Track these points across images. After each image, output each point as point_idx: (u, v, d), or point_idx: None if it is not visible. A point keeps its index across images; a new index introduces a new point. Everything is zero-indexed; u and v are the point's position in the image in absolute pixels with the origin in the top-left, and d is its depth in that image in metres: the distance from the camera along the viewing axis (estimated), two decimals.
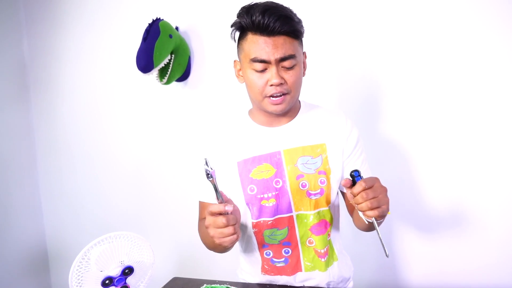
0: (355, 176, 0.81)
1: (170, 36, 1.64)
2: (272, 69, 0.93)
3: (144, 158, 2.00)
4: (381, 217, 0.80)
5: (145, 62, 1.57)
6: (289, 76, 0.94)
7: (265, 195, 1.02)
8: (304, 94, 1.11)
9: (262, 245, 1.07)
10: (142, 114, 1.96)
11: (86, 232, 2.20)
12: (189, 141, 1.88)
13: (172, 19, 1.76)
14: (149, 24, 1.62)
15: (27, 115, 2.20)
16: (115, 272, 0.84)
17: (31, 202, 2.24)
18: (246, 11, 0.92)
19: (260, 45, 0.91)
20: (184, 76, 1.81)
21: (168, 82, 1.72)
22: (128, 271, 0.85)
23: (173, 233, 1.95)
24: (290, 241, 1.05)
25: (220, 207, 0.81)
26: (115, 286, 0.84)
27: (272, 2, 0.93)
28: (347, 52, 1.58)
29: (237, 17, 0.95)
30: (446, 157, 1.50)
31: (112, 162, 2.07)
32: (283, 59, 0.92)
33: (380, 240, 0.80)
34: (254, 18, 0.89)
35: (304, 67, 1.02)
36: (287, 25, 0.90)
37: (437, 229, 1.55)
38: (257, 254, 1.09)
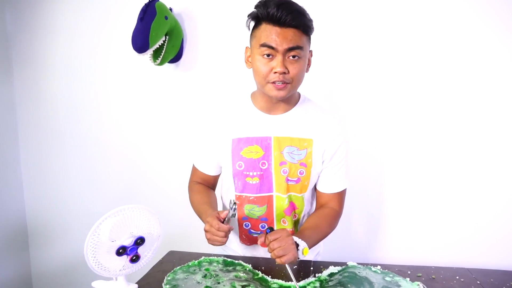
0: (267, 233, 0.99)
1: (166, 18, 1.66)
2: (278, 58, 1.00)
3: (134, 136, 2.02)
4: (292, 261, 0.94)
5: (141, 42, 1.59)
6: (293, 67, 1.01)
7: (250, 173, 1.14)
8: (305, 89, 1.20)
9: (242, 217, 1.20)
10: (133, 92, 1.97)
11: (68, 210, 2.20)
12: (180, 120, 1.92)
13: (166, 0, 1.77)
14: (145, 4, 1.63)
15: (10, 89, 2.14)
16: (129, 241, 0.89)
17: (12, 178, 2.20)
18: (263, 3, 1.00)
19: (271, 34, 0.99)
20: (176, 57, 1.83)
21: (161, 63, 1.75)
22: (140, 241, 0.91)
23: (165, 207, 1.98)
24: (267, 217, 1.18)
25: (224, 229, 0.99)
26: (128, 255, 0.90)
27: None
28: (343, 52, 1.70)
29: (255, 8, 1.03)
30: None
31: (100, 140, 2.08)
32: (290, 49, 0.99)
33: (292, 278, 0.94)
34: (269, 10, 0.97)
35: (309, 64, 1.10)
36: (297, 19, 0.98)
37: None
38: (235, 224, 1.22)
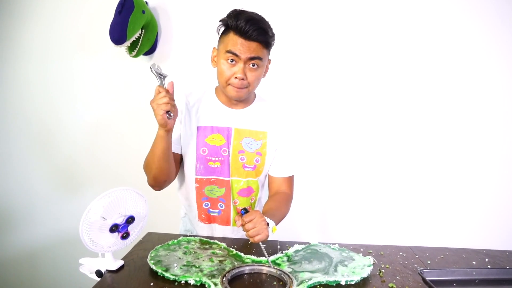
0: (242, 214, 1.07)
1: (143, 12, 1.73)
2: (240, 65, 1.16)
3: (106, 124, 2.07)
4: (264, 240, 1.06)
5: (119, 35, 1.65)
6: (251, 74, 1.19)
7: (213, 158, 1.28)
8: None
9: (201, 198, 1.33)
10: (108, 82, 2.03)
11: (33, 197, 2.21)
12: (150, 108, 1.98)
13: None
14: None
15: None
16: (120, 220, 0.99)
17: None
18: (235, 15, 1.14)
19: (237, 44, 1.15)
20: (150, 50, 1.90)
21: (136, 55, 1.81)
22: (130, 219, 1.01)
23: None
24: (224, 199, 1.33)
25: (164, 90, 1.05)
26: (119, 232, 0.99)
27: (256, 14, 1.17)
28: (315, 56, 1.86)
29: (227, 17, 1.17)
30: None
31: (68, 127, 2.10)
32: (251, 59, 1.16)
33: (265, 254, 1.05)
34: (239, 22, 1.12)
35: (266, 71, 1.27)
36: (261, 36, 1.15)
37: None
38: (194, 205, 1.35)
